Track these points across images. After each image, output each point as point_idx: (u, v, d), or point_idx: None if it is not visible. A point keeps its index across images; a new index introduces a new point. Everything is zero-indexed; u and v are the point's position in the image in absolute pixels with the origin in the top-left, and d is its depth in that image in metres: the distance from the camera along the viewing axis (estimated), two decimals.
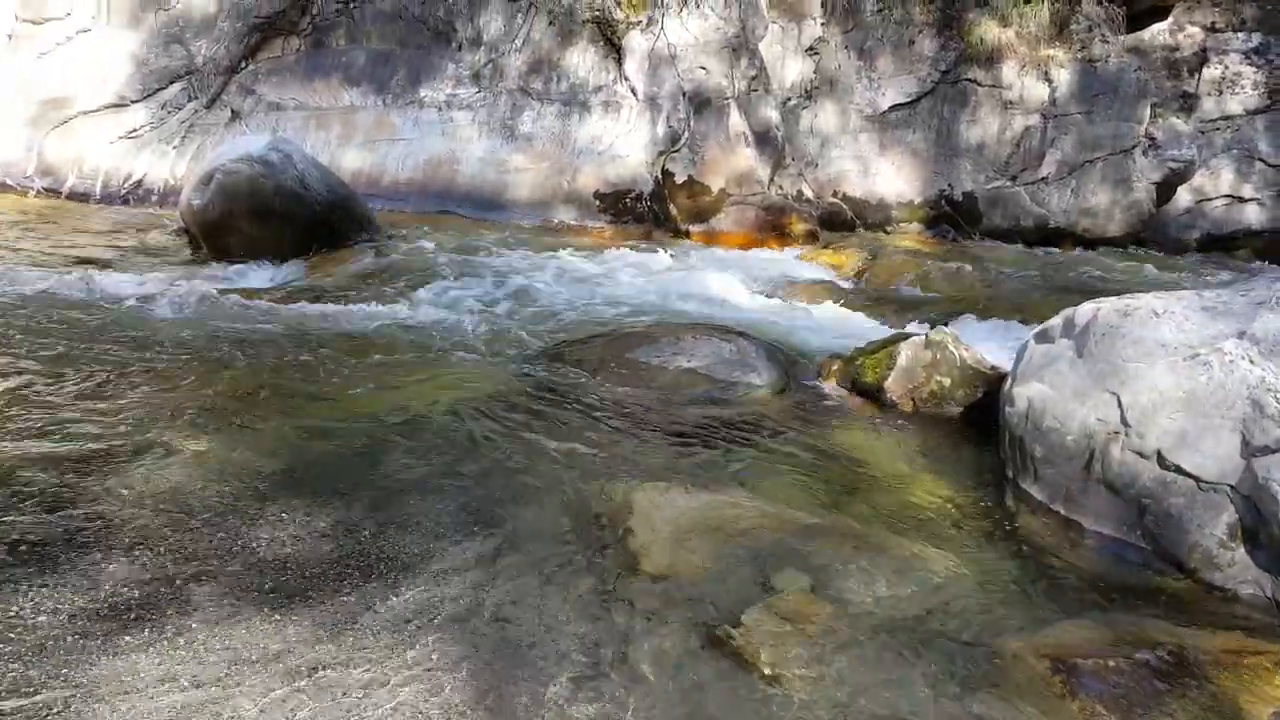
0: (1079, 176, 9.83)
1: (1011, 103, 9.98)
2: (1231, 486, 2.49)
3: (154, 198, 8.22)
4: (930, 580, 2.36)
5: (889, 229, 10.06)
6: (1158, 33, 10.10)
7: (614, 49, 9.03)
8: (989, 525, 2.81)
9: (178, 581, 2.03)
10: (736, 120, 8.95)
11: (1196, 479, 2.56)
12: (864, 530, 2.64)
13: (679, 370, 3.94)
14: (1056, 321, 3.28)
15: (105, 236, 6.64)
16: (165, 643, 1.81)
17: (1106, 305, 3.10)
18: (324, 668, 1.79)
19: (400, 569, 2.19)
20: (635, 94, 8.96)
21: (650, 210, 8.73)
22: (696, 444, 3.25)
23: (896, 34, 10.21)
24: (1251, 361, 2.63)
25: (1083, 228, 9.84)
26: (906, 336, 4.03)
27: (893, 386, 3.80)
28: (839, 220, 9.91)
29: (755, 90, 9.28)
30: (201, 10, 8.52)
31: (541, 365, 4.02)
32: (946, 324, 4.75)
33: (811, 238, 8.56)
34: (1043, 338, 3.30)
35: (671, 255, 7.33)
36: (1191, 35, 10.13)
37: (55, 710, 1.60)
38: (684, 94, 8.94)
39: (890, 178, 10.12)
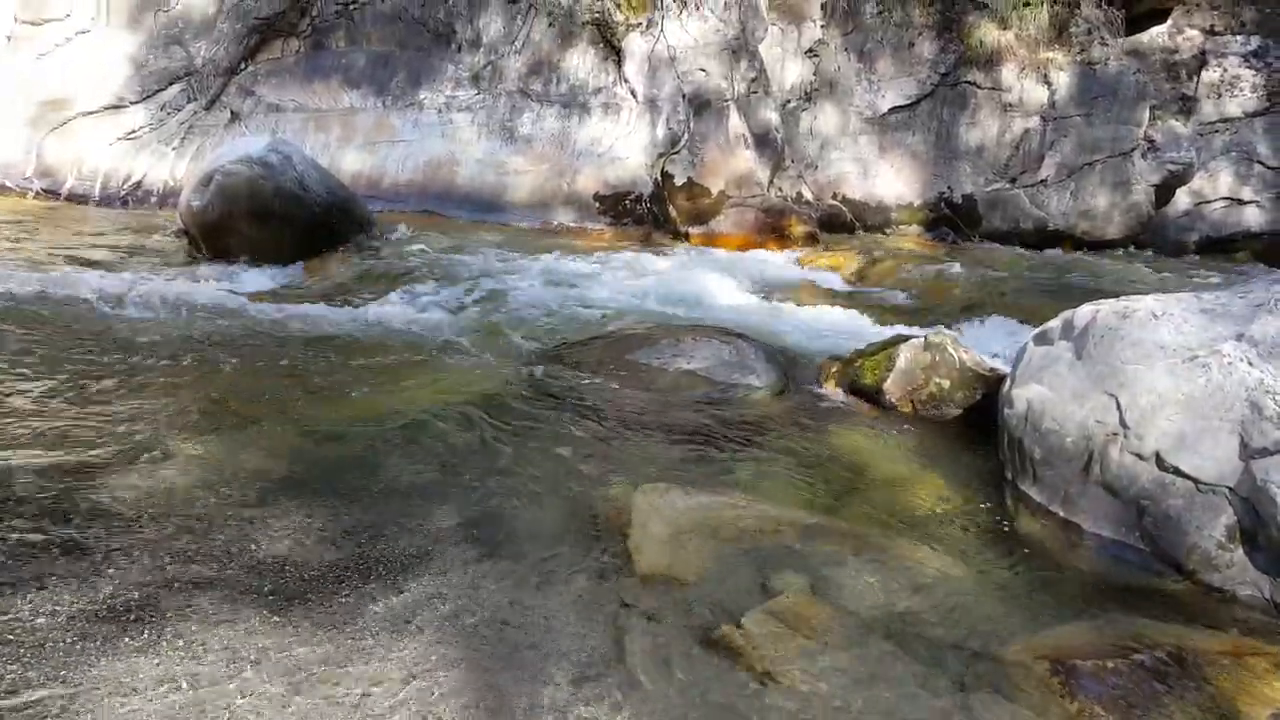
0: (1078, 179, 9.85)
1: (1011, 105, 10.00)
2: (1230, 488, 2.50)
3: (153, 199, 8.21)
4: (929, 582, 2.36)
5: (888, 231, 10.08)
6: (1157, 35, 10.12)
7: (614, 51, 9.04)
8: (988, 527, 2.81)
9: (177, 583, 2.03)
10: (736, 122, 8.96)
11: (1195, 481, 2.56)
12: (863, 532, 2.64)
13: (678, 372, 3.94)
14: (1055, 323, 3.28)
15: (104, 238, 6.64)
16: (164, 644, 1.81)
17: (1105, 307, 3.10)
18: (323, 669, 1.79)
19: (399, 570, 2.19)
20: (635, 96, 8.97)
21: (650, 212, 8.73)
22: (696, 446, 3.25)
23: (896, 36, 10.22)
24: (1250, 364, 2.63)
25: (1082, 230, 9.86)
26: (905, 338, 4.03)
27: (892, 388, 3.80)
28: (838, 222, 9.93)
29: (755, 92, 9.29)
30: (201, 12, 8.53)
31: (541, 367, 4.02)
32: (945, 326, 4.75)
33: (811, 240, 8.57)
34: (1042, 340, 3.31)
35: (671, 257, 7.34)
36: (1190, 38, 10.15)
37: (54, 711, 1.60)
38: (684, 96, 8.95)
39: (890, 180, 10.14)
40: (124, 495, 2.41)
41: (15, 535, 2.13)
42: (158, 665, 1.75)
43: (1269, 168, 10.09)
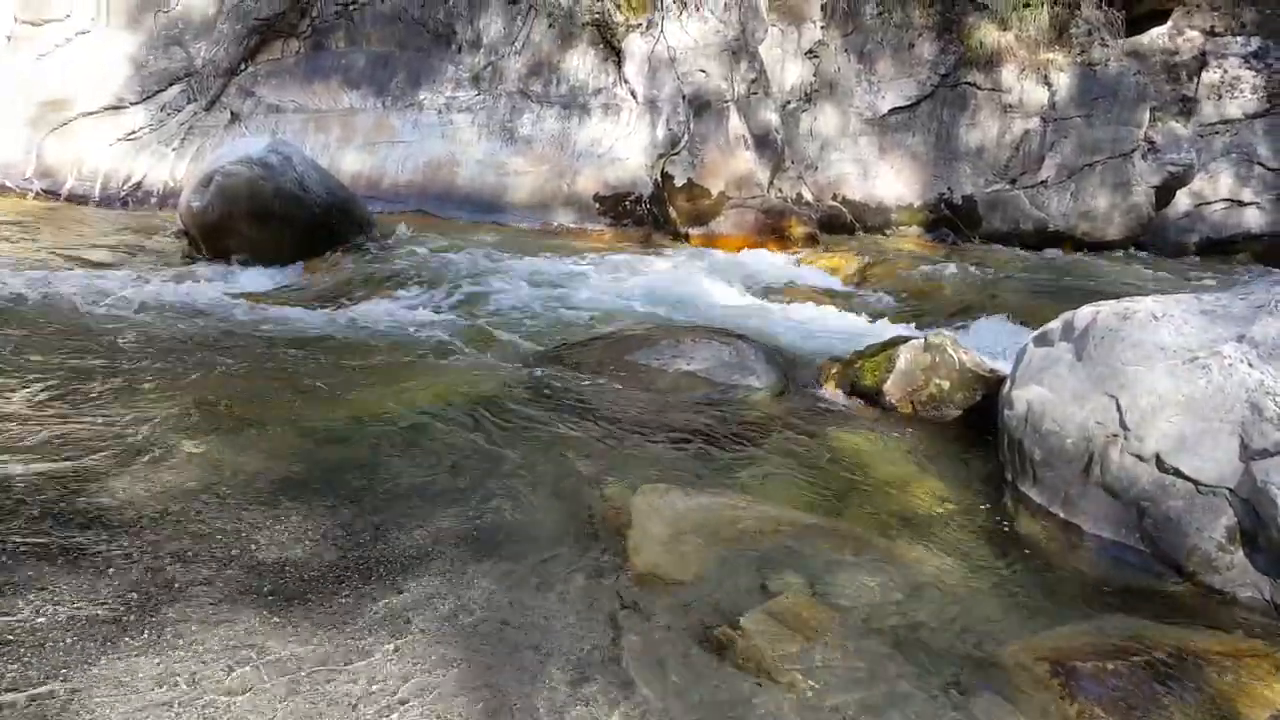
0: (1078, 180, 9.85)
1: (1011, 106, 10.00)
2: (1230, 490, 2.49)
3: (153, 200, 8.22)
4: (929, 583, 2.36)
5: (888, 232, 10.08)
6: (1157, 37, 10.12)
7: (614, 52, 9.04)
8: (988, 528, 2.81)
9: (176, 584, 2.03)
10: (736, 123, 8.96)
11: (1195, 482, 2.56)
12: (862, 533, 2.63)
13: (678, 373, 3.94)
14: (1055, 325, 3.28)
15: (104, 239, 6.64)
16: (164, 644, 1.81)
17: (1105, 309, 3.10)
18: (323, 669, 1.79)
19: (399, 571, 2.19)
20: (635, 97, 8.97)
21: (650, 213, 8.73)
22: (695, 447, 3.25)
23: (896, 37, 10.23)
24: (1250, 365, 2.63)
25: (1082, 231, 9.86)
26: (905, 339, 4.03)
27: (891, 389, 3.80)
28: (838, 223, 9.93)
29: (755, 93, 9.29)
30: (201, 12, 8.53)
31: (541, 368, 4.02)
32: (945, 327, 4.75)
33: (811, 241, 8.58)
34: (1042, 341, 3.30)
35: (671, 258, 7.34)
36: (1191, 39, 10.15)
37: (55, 711, 1.60)
38: (684, 97, 8.95)
39: (890, 181, 10.14)
40: (123, 496, 2.40)
41: (15, 536, 2.13)
42: (158, 665, 1.75)
43: (1269, 169, 10.10)
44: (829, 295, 6.32)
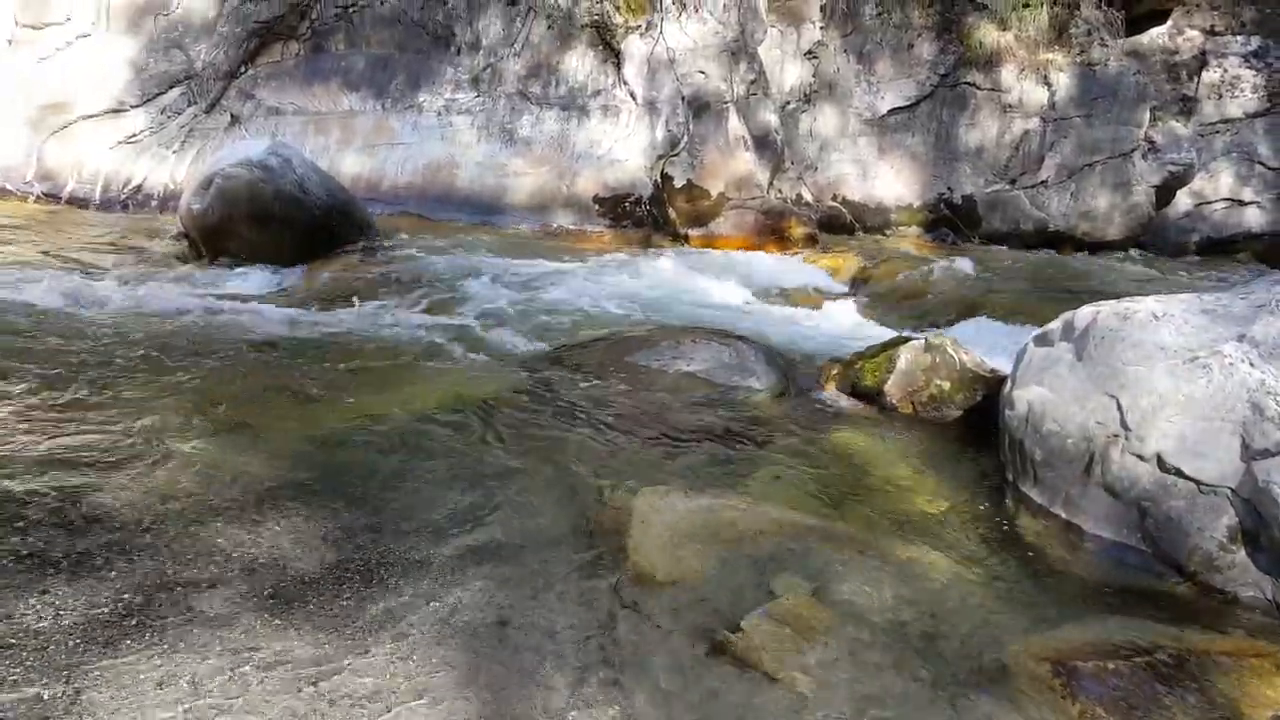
0: (1078, 180, 9.85)
1: (1011, 106, 10.00)
2: (1231, 489, 2.49)
3: (153, 202, 8.22)
4: (930, 583, 2.36)
5: (888, 232, 10.09)
6: (1157, 36, 10.12)
7: (613, 53, 9.04)
8: (989, 528, 2.80)
9: (178, 586, 2.02)
10: (735, 124, 8.96)
11: (1196, 482, 2.56)
12: (864, 534, 2.63)
13: (678, 374, 3.94)
14: (1056, 325, 3.28)
15: (105, 241, 6.64)
16: (165, 646, 1.81)
17: (1106, 309, 3.10)
18: (325, 673, 1.79)
19: (399, 573, 2.19)
20: (634, 98, 8.97)
21: (649, 214, 8.73)
22: (696, 448, 3.25)
23: (895, 38, 10.23)
24: (1251, 364, 2.63)
25: (1082, 231, 9.86)
26: (905, 340, 4.03)
27: (892, 390, 3.80)
28: (838, 224, 9.94)
29: (754, 94, 9.29)
30: (201, 15, 8.53)
31: (541, 369, 4.02)
32: (946, 327, 4.75)
33: (811, 241, 8.58)
34: (1042, 341, 3.30)
35: (671, 259, 7.34)
36: (1191, 39, 10.15)
37: (57, 713, 1.60)
38: (683, 98, 8.95)
39: (889, 181, 10.14)
40: (124, 499, 2.40)
41: (16, 538, 2.13)
42: (159, 667, 1.75)
43: (1269, 168, 10.10)
44: (829, 296, 6.33)
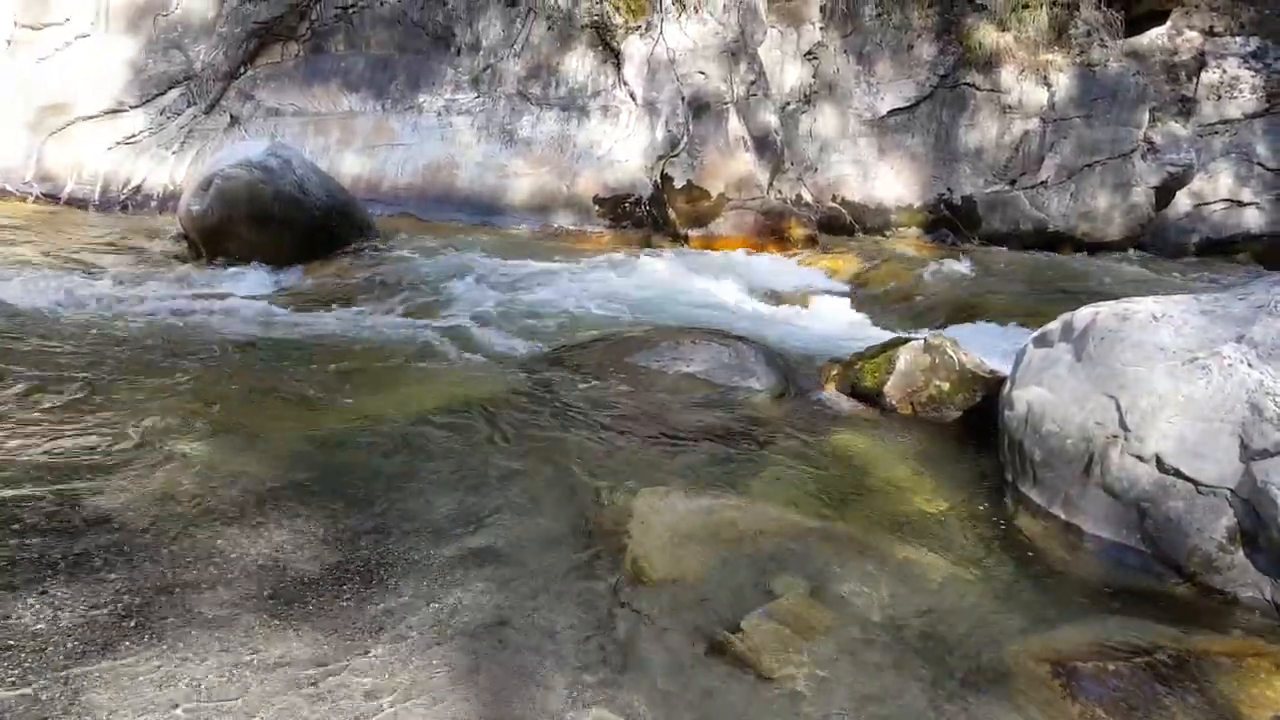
0: (1078, 181, 9.85)
1: (1010, 107, 10.00)
2: (1231, 490, 2.49)
3: (153, 203, 8.22)
4: (930, 584, 2.36)
5: (888, 233, 10.09)
6: (1156, 37, 10.12)
7: (613, 54, 9.04)
8: (988, 529, 2.80)
9: (177, 588, 2.02)
10: (735, 125, 8.96)
11: (1195, 483, 2.56)
12: (863, 534, 2.63)
13: (678, 375, 3.94)
14: (1055, 325, 3.28)
15: (104, 242, 6.64)
16: (164, 648, 1.81)
17: (1105, 309, 3.10)
18: (324, 674, 1.79)
19: (400, 575, 2.19)
20: (634, 99, 8.97)
21: (649, 215, 8.73)
22: (696, 448, 3.25)
23: (895, 39, 10.24)
24: (1250, 365, 2.63)
25: (1082, 232, 9.86)
26: (905, 341, 4.03)
27: (892, 391, 3.80)
28: (838, 224, 9.94)
29: (754, 95, 9.29)
30: (200, 16, 8.53)
31: (541, 370, 4.02)
32: (945, 328, 4.75)
33: (810, 242, 8.58)
34: (1041, 342, 3.30)
35: (670, 260, 7.34)
36: (1190, 39, 10.16)
37: (56, 714, 1.60)
38: (683, 99, 8.96)
39: (889, 182, 10.15)
40: (123, 500, 2.40)
41: (15, 540, 2.13)
42: (158, 669, 1.75)
43: (1268, 169, 10.10)
44: (828, 296, 6.33)
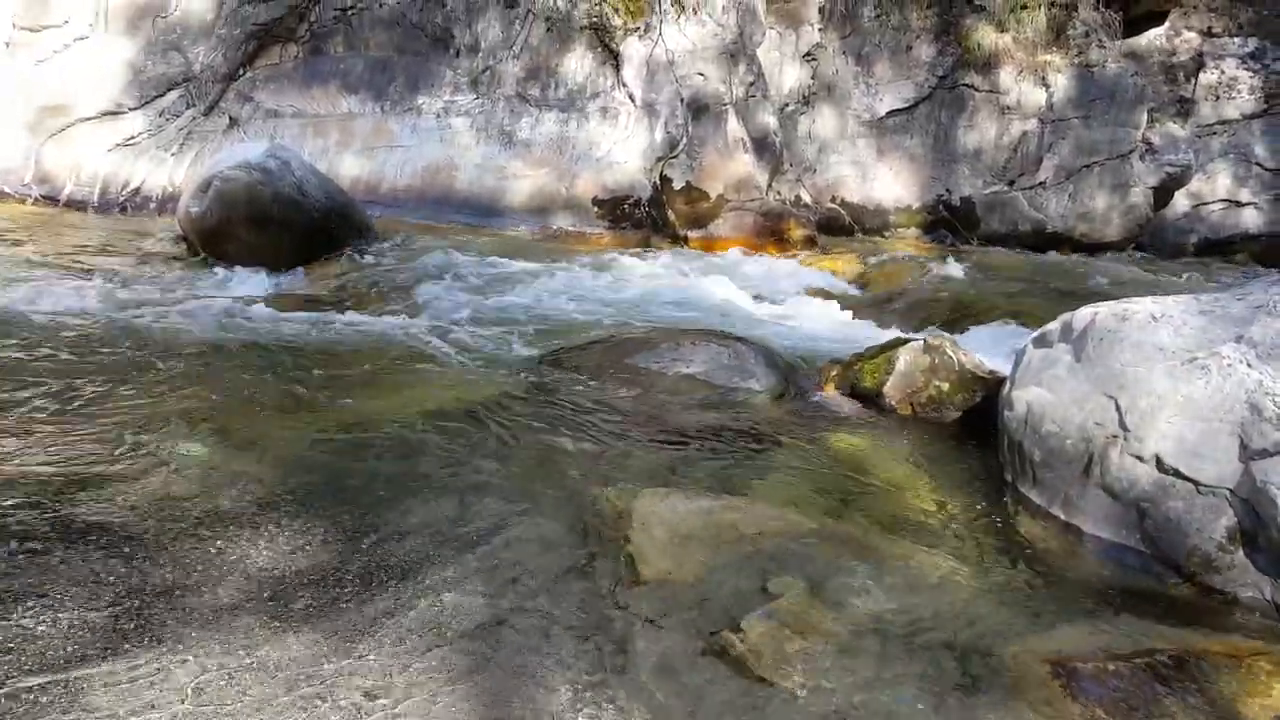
0: (1076, 181, 9.85)
1: (1009, 108, 10.00)
2: (1230, 490, 2.49)
3: (152, 205, 8.21)
4: (929, 584, 2.36)
5: (887, 234, 10.08)
6: (1154, 38, 10.12)
7: (612, 55, 9.04)
8: (988, 529, 2.81)
9: (177, 590, 2.02)
10: (734, 126, 8.96)
11: (1195, 483, 2.56)
12: (863, 535, 2.63)
13: (678, 376, 3.94)
14: (1054, 326, 3.28)
15: (103, 244, 6.64)
16: (165, 650, 1.81)
17: (1104, 310, 3.11)
18: (324, 676, 1.79)
19: (400, 577, 2.19)
20: (633, 100, 8.97)
21: (648, 216, 8.73)
22: (696, 449, 3.25)
23: (894, 40, 10.24)
24: (1249, 365, 2.63)
25: (1080, 232, 9.86)
26: (905, 341, 4.03)
27: (891, 391, 3.80)
28: (837, 225, 9.93)
29: (753, 96, 9.29)
30: (199, 18, 8.52)
31: (540, 371, 4.02)
32: (944, 329, 4.75)
33: (810, 243, 8.58)
34: (1041, 342, 3.31)
35: (670, 261, 7.33)
36: (1188, 40, 10.16)
37: (55, 717, 1.60)
38: (682, 100, 8.96)
39: (888, 183, 10.14)
40: (122, 503, 2.40)
41: (15, 543, 2.13)
42: (159, 671, 1.75)
43: (1267, 170, 10.10)
44: (828, 297, 6.32)
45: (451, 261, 6.39)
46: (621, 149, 8.84)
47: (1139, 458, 2.70)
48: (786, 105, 10.16)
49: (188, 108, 8.53)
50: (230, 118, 8.68)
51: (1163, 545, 2.60)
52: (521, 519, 2.55)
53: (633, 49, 8.99)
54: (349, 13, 8.93)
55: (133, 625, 1.88)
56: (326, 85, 8.91)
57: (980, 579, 2.45)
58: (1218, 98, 10.17)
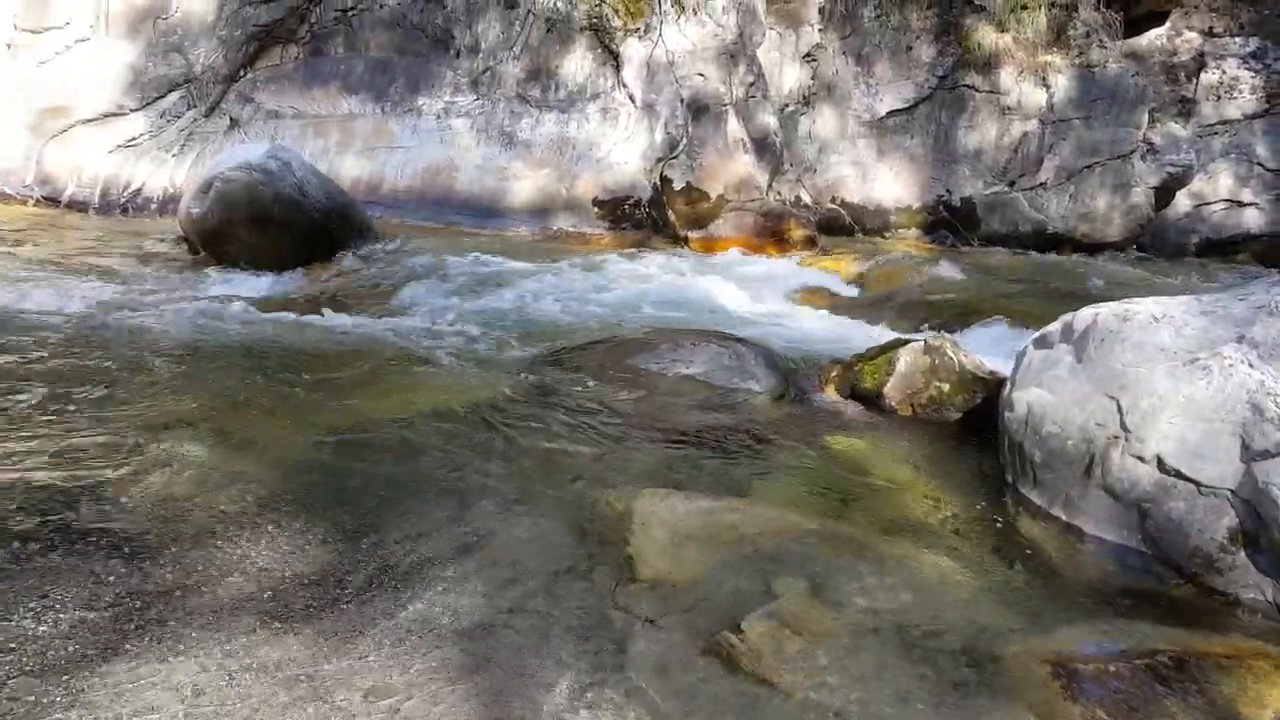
0: (1077, 182, 9.85)
1: (1009, 108, 10.00)
2: (1232, 491, 2.49)
3: (153, 206, 8.22)
4: (930, 585, 2.36)
5: (887, 234, 10.08)
6: (1155, 38, 10.12)
7: (612, 56, 9.04)
8: (989, 530, 2.80)
9: (177, 591, 2.02)
10: (735, 127, 8.96)
11: (1196, 483, 2.56)
12: (863, 536, 2.63)
13: (678, 377, 3.94)
14: (1055, 327, 3.28)
15: (104, 245, 6.65)
16: (165, 651, 1.81)
17: (1105, 310, 3.10)
18: (324, 677, 1.79)
19: (400, 577, 2.19)
20: (633, 101, 8.98)
21: (649, 217, 8.74)
22: (696, 450, 3.25)
23: (894, 40, 10.24)
24: (1250, 365, 2.63)
25: (1081, 233, 9.86)
26: (905, 342, 4.03)
27: (892, 392, 3.80)
28: (838, 226, 9.93)
29: (753, 96, 9.29)
30: (200, 19, 8.53)
31: (541, 372, 4.02)
32: (945, 329, 4.75)
33: (810, 243, 8.58)
34: (1042, 343, 3.30)
35: (670, 262, 7.33)
36: (1189, 40, 10.15)
37: (53, 718, 1.60)
38: (682, 101, 8.96)
39: (888, 183, 10.14)
40: (123, 504, 2.40)
41: (15, 543, 2.13)
42: (159, 673, 1.74)
43: (1268, 170, 10.10)
44: (828, 298, 6.32)
45: (451, 263, 6.39)
46: (622, 150, 8.85)
47: (1140, 458, 2.69)
48: (787, 105, 10.16)
49: (188, 109, 8.54)
50: (231, 119, 8.69)
51: (1164, 546, 2.60)
52: (521, 519, 2.55)
53: (633, 50, 8.99)
54: (349, 14, 8.94)
55: (133, 625, 1.88)
56: (327, 86, 8.92)
57: (980, 580, 2.45)
58: (1219, 98, 10.17)
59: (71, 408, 3.07)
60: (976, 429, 3.56)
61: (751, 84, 9.30)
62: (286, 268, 5.95)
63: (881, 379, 3.84)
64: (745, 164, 8.88)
